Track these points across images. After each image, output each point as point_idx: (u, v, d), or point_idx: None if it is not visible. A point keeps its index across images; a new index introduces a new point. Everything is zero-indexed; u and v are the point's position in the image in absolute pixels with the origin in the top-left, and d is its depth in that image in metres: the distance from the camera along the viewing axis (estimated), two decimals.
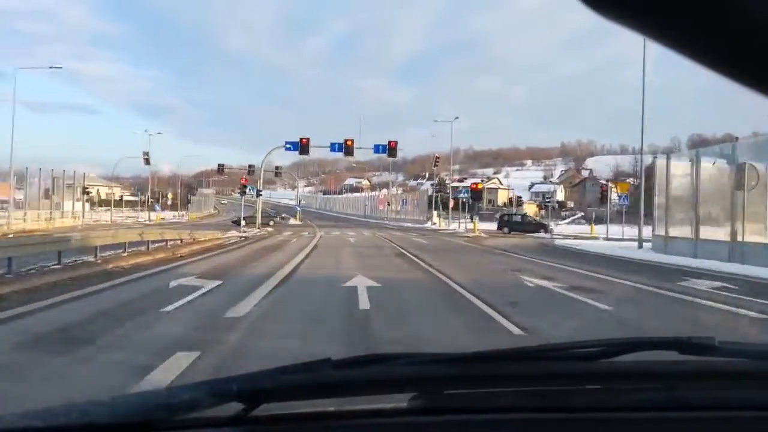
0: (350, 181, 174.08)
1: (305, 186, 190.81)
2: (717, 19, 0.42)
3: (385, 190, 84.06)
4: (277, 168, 58.24)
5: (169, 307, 7.93)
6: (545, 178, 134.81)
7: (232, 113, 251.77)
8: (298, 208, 62.98)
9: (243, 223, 36.31)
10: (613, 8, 0.43)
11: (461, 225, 48.71)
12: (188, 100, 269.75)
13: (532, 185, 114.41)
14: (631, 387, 1.09)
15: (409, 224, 56.66)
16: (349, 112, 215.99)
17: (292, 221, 60.68)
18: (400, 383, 1.03)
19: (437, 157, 49.91)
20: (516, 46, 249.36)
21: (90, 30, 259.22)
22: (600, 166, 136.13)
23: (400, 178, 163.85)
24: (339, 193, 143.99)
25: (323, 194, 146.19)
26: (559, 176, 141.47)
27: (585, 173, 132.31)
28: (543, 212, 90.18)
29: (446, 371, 1.04)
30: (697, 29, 0.43)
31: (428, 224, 54.33)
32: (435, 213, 54.29)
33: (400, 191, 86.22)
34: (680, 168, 21.84)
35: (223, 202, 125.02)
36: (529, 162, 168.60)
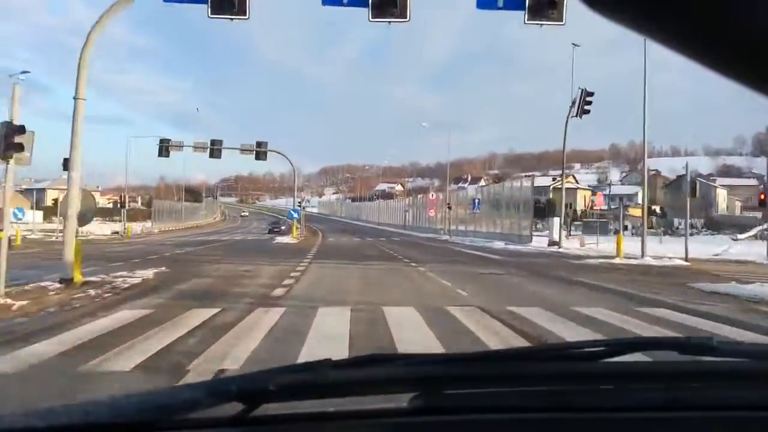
0: (382, 186, 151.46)
1: (333, 193, 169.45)
2: (716, 18, 0.41)
3: (432, 193, 55.69)
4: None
5: None
6: (600, 181, 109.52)
7: (262, 123, 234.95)
8: (295, 216, 35.57)
9: None
10: (613, 8, 0.42)
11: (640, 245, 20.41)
12: (221, 110, 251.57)
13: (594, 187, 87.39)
14: (631, 387, 1.03)
15: (500, 243, 28.39)
16: (376, 120, 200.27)
17: (282, 239, 33.18)
18: (400, 383, 0.99)
19: (587, 95, 21.40)
20: (551, 50, 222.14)
21: (125, 43, 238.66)
22: (664, 169, 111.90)
23: (436, 183, 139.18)
24: (370, 200, 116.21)
25: (351, 200, 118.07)
26: (623, 178, 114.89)
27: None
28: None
29: (446, 371, 1.01)
30: (697, 29, 0.42)
31: (537, 243, 26.23)
32: (555, 222, 25.68)
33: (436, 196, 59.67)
34: None
35: (243, 213, 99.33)
36: (577, 165, 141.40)
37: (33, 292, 8.93)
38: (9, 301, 8.03)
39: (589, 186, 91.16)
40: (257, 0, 10.75)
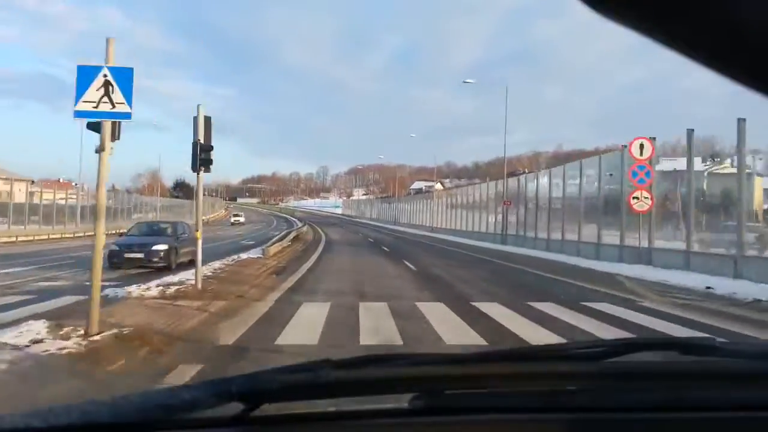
0: (418, 185, 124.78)
1: (363, 194, 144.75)
2: (715, 18, 0.40)
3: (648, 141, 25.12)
4: None
5: None
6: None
7: (294, 127, 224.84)
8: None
9: None
10: (613, 8, 0.40)
11: None
12: (254, 115, 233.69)
13: None
14: (632, 387, 0.99)
15: None
16: (408, 122, 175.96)
17: None
18: (401, 383, 0.94)
19: None
20: (583, 53, 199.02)
21: (160, 50, 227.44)
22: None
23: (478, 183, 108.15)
24: (406, 197, 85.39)
25: (385, 198, 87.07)
26: (710, 168, 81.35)
27: None
28: None
29: (447, 371, 0.97)
30: (696, 29, 0.41)
31: None
32: None
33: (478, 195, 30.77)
34: None
35: (236, 218, 61.80)
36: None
37: None
38: None
39: None
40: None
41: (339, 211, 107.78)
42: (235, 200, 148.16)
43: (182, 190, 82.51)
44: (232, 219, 59.79)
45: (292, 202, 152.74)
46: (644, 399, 0.95)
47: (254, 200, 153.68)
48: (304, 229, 35.52)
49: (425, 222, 46.22)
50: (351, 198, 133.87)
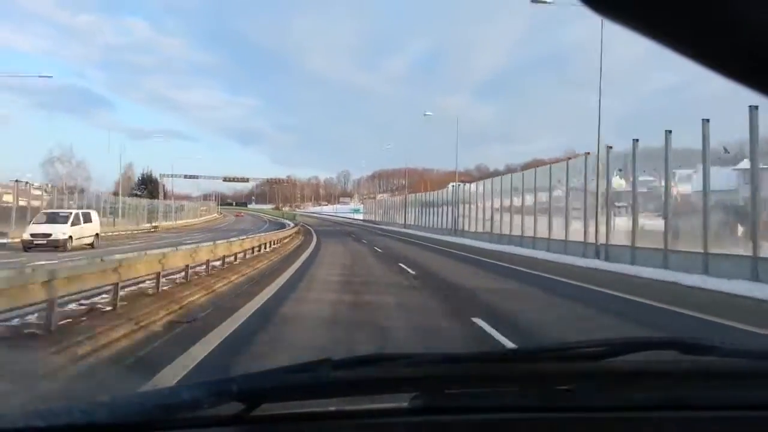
0: (452, 186, 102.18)
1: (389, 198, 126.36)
2: (713, 18, 0.39)
3: None
4: None
5: None
6: None
7: (316, 134, 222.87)
8: None
9: None
10: (612, 8, 0.40)
11: None
12: (275, 123, 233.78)
13: None
14: (632, 387, 0.98)
15: None
16: (430, 129, 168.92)
17: None
18: (401, 383, 0.95)
19: None
20: (607, 58, 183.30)
21: (187, 60, 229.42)
22: None
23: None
24: (435, 203, 61.80)
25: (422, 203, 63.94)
26: None
27: None
28: None
29: (447, 371, 0.97)
30: (694, 29, 0.40)
31: None
32: None
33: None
34: None
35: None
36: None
37: None
38: None
39: None
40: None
41: (359, 216, 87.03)
42: (245, 206, 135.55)
43: (147, 187, 62.95)
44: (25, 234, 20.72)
45: (309, 208, 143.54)
46: (644, 398, 0.94)
47: (268, 206, 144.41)
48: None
49: (532, 231, 22.91)
50: (376, 199, 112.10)
